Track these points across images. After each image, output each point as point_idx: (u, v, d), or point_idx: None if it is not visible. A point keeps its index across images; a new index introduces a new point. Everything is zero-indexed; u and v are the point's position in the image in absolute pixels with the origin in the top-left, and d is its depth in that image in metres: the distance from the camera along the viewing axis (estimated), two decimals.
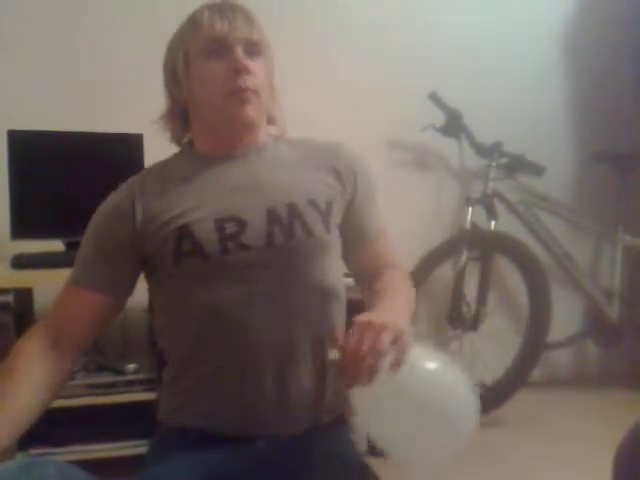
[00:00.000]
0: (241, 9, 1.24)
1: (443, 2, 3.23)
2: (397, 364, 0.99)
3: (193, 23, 1.23)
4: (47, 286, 2.50)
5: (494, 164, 3.05)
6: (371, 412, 1.03)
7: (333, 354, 1.05)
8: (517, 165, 3.09)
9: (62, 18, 2.75)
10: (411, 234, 2.81)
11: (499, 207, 3.04)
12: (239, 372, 1.17)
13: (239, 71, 1.17)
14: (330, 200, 1.25)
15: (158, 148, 2.50)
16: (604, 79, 3.41)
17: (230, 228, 1.17)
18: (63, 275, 2.20)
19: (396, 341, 1.00)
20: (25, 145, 2.37)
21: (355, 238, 1.32)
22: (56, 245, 2.40)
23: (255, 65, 1.21)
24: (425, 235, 3.08)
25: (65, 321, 1.22)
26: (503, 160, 3.08)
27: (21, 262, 2.21)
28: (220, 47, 1.19)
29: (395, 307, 1.15)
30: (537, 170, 3.08)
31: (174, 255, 1.17)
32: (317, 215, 1.21)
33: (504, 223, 3.02)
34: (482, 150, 3.06)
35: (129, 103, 2.76)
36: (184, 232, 1.17)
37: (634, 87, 3.35)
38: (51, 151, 2.41)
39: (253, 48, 1.21)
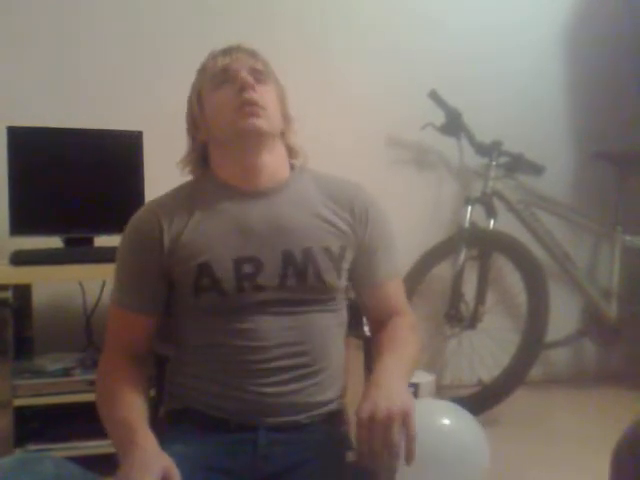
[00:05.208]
0: (244, 48, 1.33)
1: (445, 2, 3.23)
2: (411, 455, 1.05)
3: (202, 68, 1.35)
4: (46, 282, 2.52)
5: (494, 163, 3.05)
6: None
7: (349, 457, 1.10)
8: (517, 164, 3.09)
9: (62, 15, 2.75)
10: (410, 232, 2.80)
11: (498, 206, 3.04)
12: (244, 369, 1.22)
13: (244, 87, 1.24)
14: (344, 245, 1.30)
15: (157, 145, 2.53)
16: (604, 78, 3.41)
17: (247, 268, 1.23)
18: (61, 271, 2.24)
19: (404, 423, 1.05)
20: (25, 141, 2.36)
21: (363, 278, 1.36)
22: (55, 242, 2.40)
23: (261, 87, 1.27)
24: (424, 233, 3.08)
25: (130, 341, 1.30)
26: (503, 159, 3.08)
27: (20, 258, 2.21)
28: (226, 76, 1.27)
29: (396, 372, 1.18)
30: (537, 169, 3.09)
31: (193, 288, 1.24)
32: (330, 263, 1.27)
33: (503, 222, 3.02)
34: (482, 149, 3.07)
35: (129, 100, 2.76)
36: (204, 269, 1.23)
37: (634, 86, 3.35)
38: (51, 148, 2.41)
39: (258, 75, 1.28)
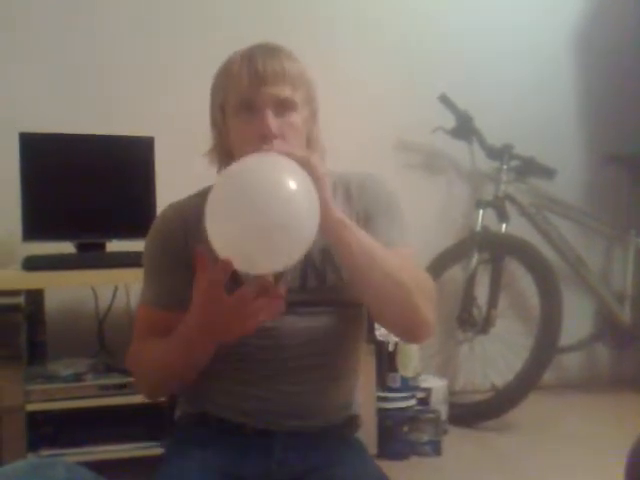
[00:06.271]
0: (273, 55, 1.22)
1: (455, 3, 3.23)
2: None
3: (226, 75, 1.24)
4: (58, 287, 2.53)
5: (505, 167, 3.04)
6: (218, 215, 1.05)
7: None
8: (528, 168, 3.08)
9: (74, 21, 2.77)
10: (421, 236, 2.79)
11: (510, 210, 3.03)
12: (266, 366, 1.22)
13: (266, 137, 1.17)
14: None
15: (169, 151, 2.54)
16: (616, 80, 3.40)
17: None
18: (74, 277, 2.25)
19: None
20: (36, 147, 2.38)
21: None
22: (67, 247, 2.41)
23: (286, 121, 1.20)
24: (435, 237, 3.08)
25: (156, 336, 1.28)
26: (514, 163, 3.08)
27: (32, 264, 2.22)
28: (250, 107, 1.20)
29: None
30: (548, 173, 3.08)
31: None
32: None
33: (515, 226, 3.01)
34: (493, 153, 3.06)
35: (140, 106, 2.77)
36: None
37: None
38: (62, 153, 2.42)
39: (284, 104, 1.20)
